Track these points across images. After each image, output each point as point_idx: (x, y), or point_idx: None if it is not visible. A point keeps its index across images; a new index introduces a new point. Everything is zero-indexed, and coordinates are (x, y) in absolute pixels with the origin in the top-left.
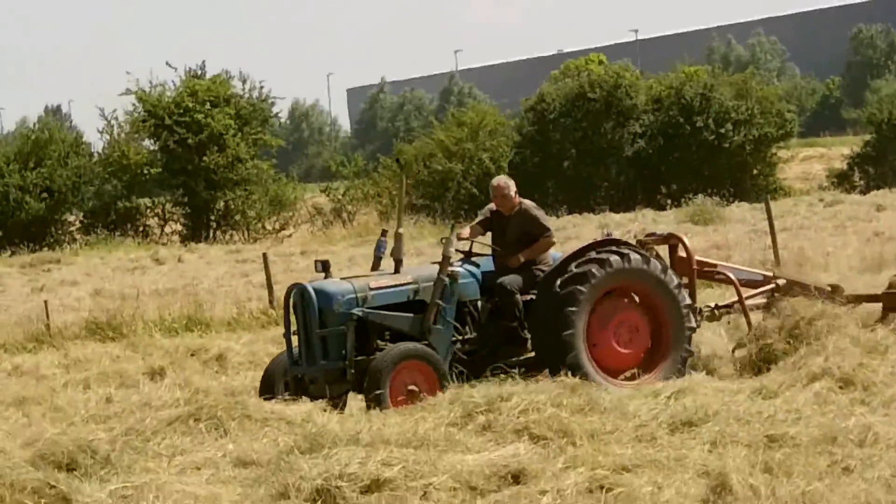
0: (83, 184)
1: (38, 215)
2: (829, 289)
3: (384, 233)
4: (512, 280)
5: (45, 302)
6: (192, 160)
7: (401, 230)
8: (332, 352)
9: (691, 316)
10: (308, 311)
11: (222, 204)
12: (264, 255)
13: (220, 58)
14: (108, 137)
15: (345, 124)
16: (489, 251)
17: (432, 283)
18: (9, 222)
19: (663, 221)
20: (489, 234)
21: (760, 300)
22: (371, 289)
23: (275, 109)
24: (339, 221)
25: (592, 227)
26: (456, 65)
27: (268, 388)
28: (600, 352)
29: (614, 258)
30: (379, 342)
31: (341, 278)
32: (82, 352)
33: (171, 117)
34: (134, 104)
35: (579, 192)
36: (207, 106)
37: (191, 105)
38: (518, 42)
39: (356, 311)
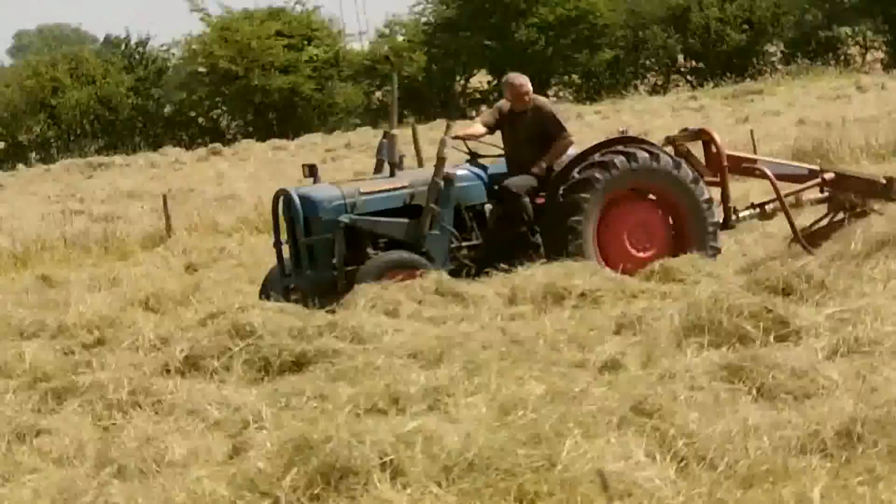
0: (782, 14)
1: (740, 47)
2: (885, 182)
3: (385, 134)
4: (519, 182)
5: (751, 132)
6: None
7: (395, 131)
8: (320, 261)
9: (713, 210)
10: (294, 218)
11: None
12: None
13: None
14: None
15: None
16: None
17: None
18: (710, 54)
19: None
20: (497, 135)
21: (810, 195)
22: (361, 194)
23: None
24: None
25: None
26: None
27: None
28: (614, 258)
29: (619, 159)
30: (370, 251)
31: (331, 183)
32: None
33: None
34: None
35: None
36: None
37: None
38: None
39: (344, 217)
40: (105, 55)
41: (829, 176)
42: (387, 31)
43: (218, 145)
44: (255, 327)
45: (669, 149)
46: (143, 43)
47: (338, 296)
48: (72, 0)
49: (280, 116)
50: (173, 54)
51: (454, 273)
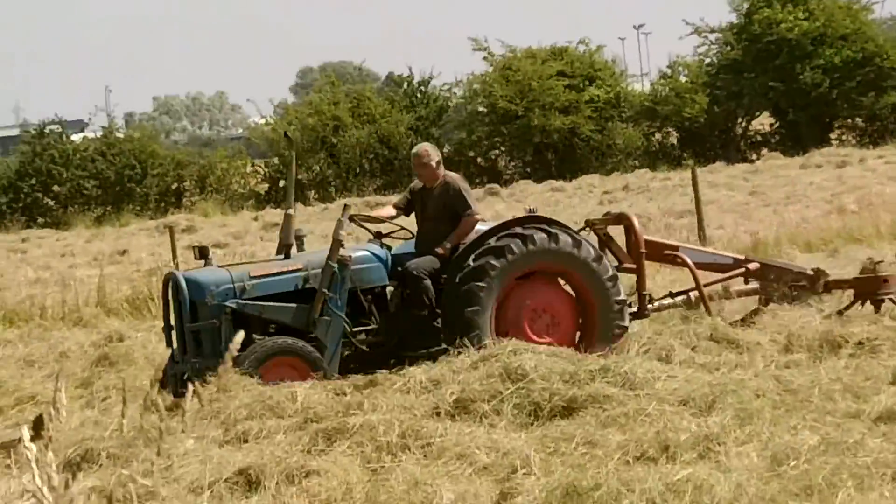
0: None
1: None
2: (812, 273)
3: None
4: (421, 263)
5: None
6: None
7: (291, 211)
8: (206, 347)
9: (618, 287)
10: (181, 303)
11: None
12: None
13: None
14: None
15: None
16: (413, 233)
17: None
18: None
19: None
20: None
21: (739, 287)
22: (251, 277)
23: None
24: None
25: None
26: None
27: (163, 388)
28: (511, 336)
29: (515, 243)
30: (257, 337)
31: (220, 266)
32: None
33: None
34: None
35: None
36: None
37: None
38: None
39: (230, 302)
40: (386, 94)
41: (753, 266)
42: (669, 71)
43: (495, 185)
44: (527, 371)
45: (588, 232)
46: (425, 82)
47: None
48: (355, 38)
49: (559, 157)
50: (454, 93)
51: (352, 359)
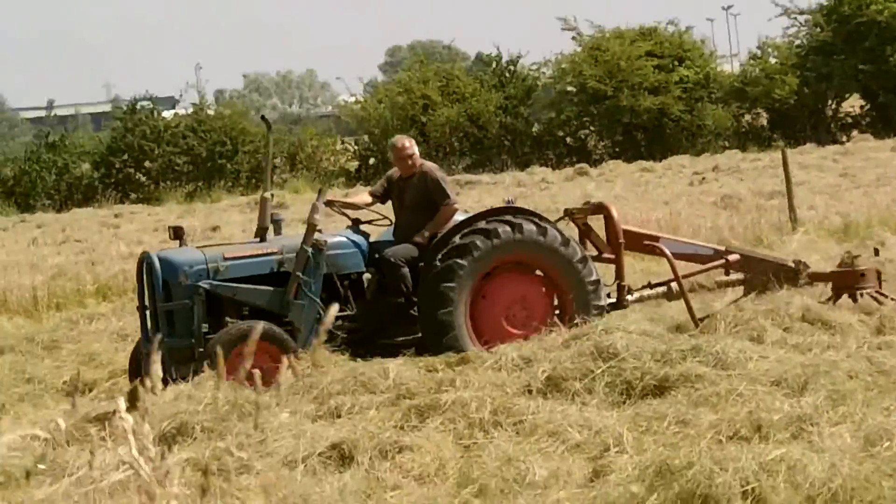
0: None
1: None
2: (793, 265)
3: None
4: (399, 251)
5: None
6: None
7: (267, 194)
8: (179, 328)
9: (599, 292)
10: (154, 282)
11: None
12: None
13: None
14: None
15: None
16: (392, 221)
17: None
18: None
19: None
20: (377, 203)
21: (726, 278)
22: (225, 259)
23: None
24: None
25: None
26: None
27: (135, 368)
28: (487, 332)
29: (503, 228)
30: (228, 319)
31: (197, 247)
32: None
33: None
34: None
35: None
36: None
37: None
38: None
39: (204, 283)
40: (475, 73)
41: (733, 257)
42: (758, 52)
43: (584, 165)
44: (618, 350)
45: (567, 222)
46: (514, 61)
47: (197, 365)
48: (445, 18)
49: (648, 137)
50: (543, 73)
51: (327, 345)
